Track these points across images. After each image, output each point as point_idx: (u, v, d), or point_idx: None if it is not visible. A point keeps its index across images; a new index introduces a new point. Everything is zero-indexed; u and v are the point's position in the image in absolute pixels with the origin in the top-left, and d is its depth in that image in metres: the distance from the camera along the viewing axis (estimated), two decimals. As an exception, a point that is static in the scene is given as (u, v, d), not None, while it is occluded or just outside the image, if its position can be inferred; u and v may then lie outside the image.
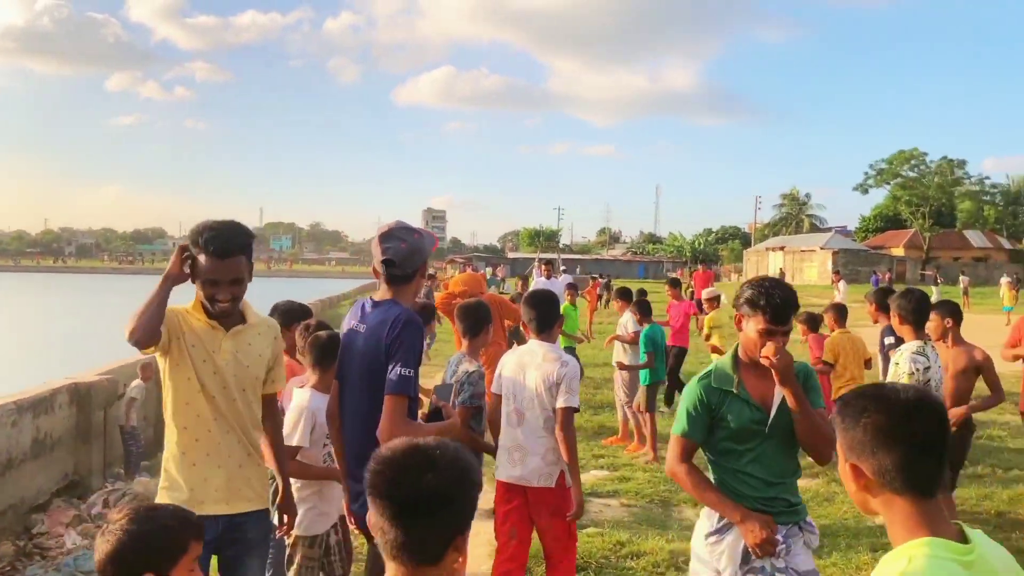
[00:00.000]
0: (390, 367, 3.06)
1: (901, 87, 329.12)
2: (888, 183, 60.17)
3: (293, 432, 3.92)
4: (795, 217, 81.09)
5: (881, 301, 6.84)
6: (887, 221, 66.11)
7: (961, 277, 33.68)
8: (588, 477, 7.34)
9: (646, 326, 8.81)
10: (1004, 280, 30.28)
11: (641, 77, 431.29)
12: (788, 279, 55.89)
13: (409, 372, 3.06)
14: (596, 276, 34.41)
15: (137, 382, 10.53)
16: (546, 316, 4.28)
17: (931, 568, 1.58)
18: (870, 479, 1.67)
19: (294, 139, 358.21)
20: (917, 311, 4.77)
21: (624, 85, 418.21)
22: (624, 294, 10.05)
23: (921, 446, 1.64)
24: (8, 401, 8.34)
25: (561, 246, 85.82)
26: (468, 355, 4.57)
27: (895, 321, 4.88)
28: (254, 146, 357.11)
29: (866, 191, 61.60)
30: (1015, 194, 72.11)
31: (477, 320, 4.62)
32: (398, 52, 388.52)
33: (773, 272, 57.16)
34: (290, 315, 4.76)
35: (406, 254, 3.20)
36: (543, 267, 15.02)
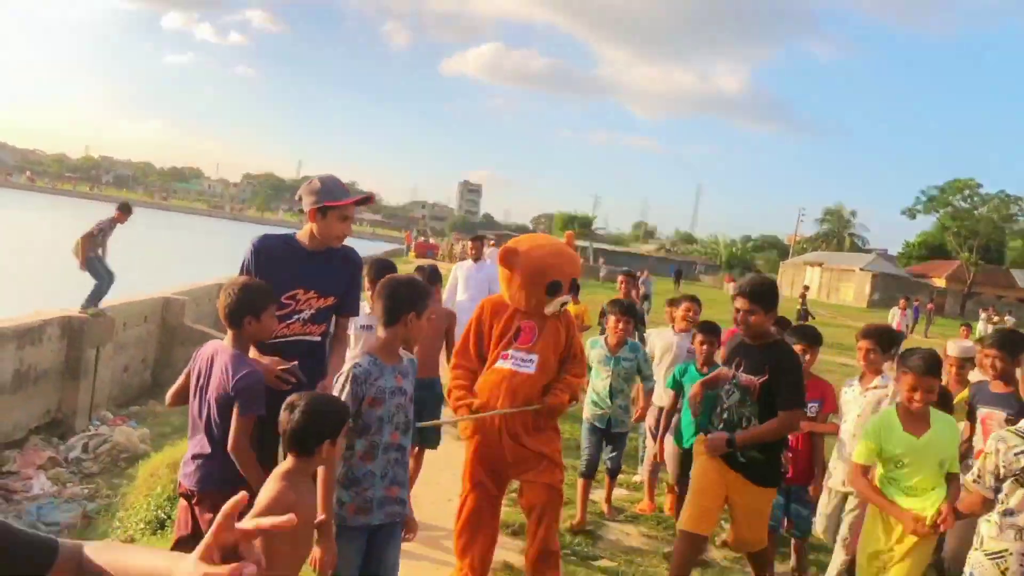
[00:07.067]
0: None
1: (952, 117, 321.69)
2: (938, 211, 58.19)
3: None
4: (836, 234, 78.93)
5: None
6: (931, 250, 64.07)
7: (1007, 317, 31.53)
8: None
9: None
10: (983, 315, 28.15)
11: (690, 75, 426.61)
12: (823, 298, 54.44)
13: None
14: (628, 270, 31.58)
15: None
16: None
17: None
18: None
19: (339, 98, 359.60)
20: None
21: (672, 80, 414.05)
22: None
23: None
24: (-8, 327, 7.78)
25: (596, 233, 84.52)
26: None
27: None
28: (299, 100, 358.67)
29: (914, 216, 59.49)
30: (1068, 238, 69.68)
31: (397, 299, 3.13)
32: (449, 23, 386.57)
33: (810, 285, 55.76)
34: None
35: None
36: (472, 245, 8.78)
